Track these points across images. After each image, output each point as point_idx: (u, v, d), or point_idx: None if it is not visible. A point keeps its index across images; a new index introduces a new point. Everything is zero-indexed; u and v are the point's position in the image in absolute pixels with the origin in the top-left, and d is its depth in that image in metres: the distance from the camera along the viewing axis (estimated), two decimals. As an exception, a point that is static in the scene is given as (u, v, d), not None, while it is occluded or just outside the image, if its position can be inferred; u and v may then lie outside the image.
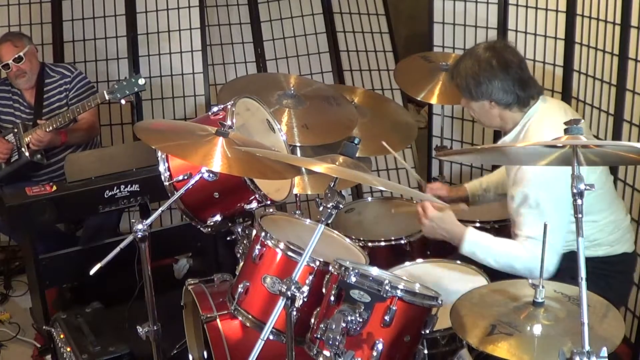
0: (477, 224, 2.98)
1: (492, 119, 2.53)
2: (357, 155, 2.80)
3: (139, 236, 2.18)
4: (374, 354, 1.94)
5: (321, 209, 1.97)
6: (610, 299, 2.00)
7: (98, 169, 3.19)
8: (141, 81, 3.28)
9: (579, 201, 1.72)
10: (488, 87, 2.43)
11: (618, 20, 2.98)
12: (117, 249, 2.09)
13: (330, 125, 3.06)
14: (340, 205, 1.97)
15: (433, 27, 4.02)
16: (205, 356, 2.69)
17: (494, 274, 2.43)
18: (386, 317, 1.93)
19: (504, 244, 2.44)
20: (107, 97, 3.30)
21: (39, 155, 3.47)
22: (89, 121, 3.63)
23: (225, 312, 2.39)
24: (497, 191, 2.92)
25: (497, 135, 3.93)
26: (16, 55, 3.48)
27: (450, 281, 2.52)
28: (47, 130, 3.38)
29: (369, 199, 3.55)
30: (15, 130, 3.48)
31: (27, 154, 3.44)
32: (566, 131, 1.84)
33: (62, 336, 2.89)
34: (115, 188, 3.14)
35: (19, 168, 3.50)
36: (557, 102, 2.66)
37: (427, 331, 2.02)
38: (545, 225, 2.00)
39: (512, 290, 2.01)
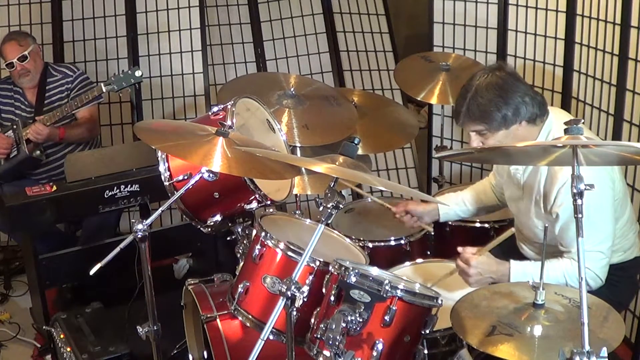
0: (477, 224, 2.99)
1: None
2: (357, 153, 2.82)
3: (139, 236, 2.17)
4: (374, 354, 1.94)
5: (321, 209, 1.97)
6: (615, 304, 1.99)
7: (98, 169, 3.19)
8: (138, 73, 3.30)
9: (579, 201, 1.72)
10: (520, 104, 2.28)
11: (618, 20, 2.98)
12: (117, 249, 2.09)
13: (330, 125, 3.06)
14: (340, 205, 1.97)
15: (433, 27, 4.02)
16: (205, 356, 2.69)
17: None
18: (386, 317, 1.93)
19: (553, 267, 2.29)
20: (104, 89, 3.30)
21: (38, 152, 3.47)
22: (88, 119, 3.63)
23: (225, 312, 2.39)
24: (476, 205, 2.83)
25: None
26: (20, 55, 3.48)
27: (450, 281, 2.52)
28: (47, 124, 3.39)
29: (369, 199, 3.55)
30: (15, 126, 3.48)
31: (26, 150, 3.44)
32: (566, 131, 1.84)
33: (62, 336, 2.89)
34: (115, 188, 3.14)
35: (18, 164, 3.50)
36: (558, 109, 2.62)
37: (427, 331, 2.02)
38: (545, 228, 2.00)
39: (512, 291, 2.01)
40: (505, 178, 2.61)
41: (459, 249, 2.39)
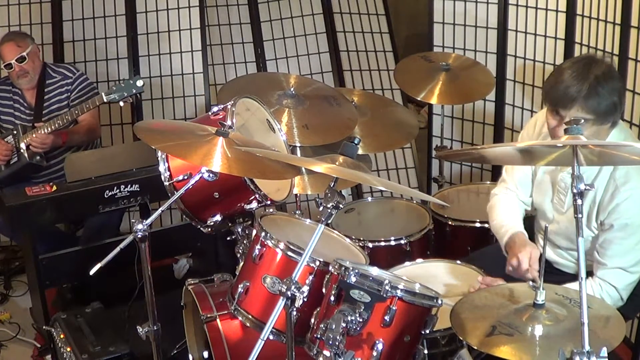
0: (477, 224, 2.99)
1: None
2: (357, 153, 2.81)
3: (139, 236, 2.17)
4: (374, 354, 1.94)
5: (321, 209, 1.97)
6: (624, 312, 1.98)
7: (98, 169, 3.19)
8: (139, 83, 3.28)
9: (579, 201, 1.71)
10: (621, 102, 2.21)
11: (618, 20, 2.98)
12: (117, 249, 2.09)
13: (330, 125, 3.06)
14: (340, 205, 1.97)
15: (433, 27, 4.03)
16: (205, 356, 2.69)
17: (494, 275, 2.42)
18: (386, 317, 1.93)
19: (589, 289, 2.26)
20: (105, 99, 3.30)
21: (38, 157, 3.46)
22: (90, 123, 3.63)
23: (225, 312, 2.39)
24: None
25: (497, 135, 3.93)
26: (19, 55, 3.47)
27: (450, 281, 2.52)
28: (47, 132, 3.38)
29: (369, 199, 3.55)
30: (15, 132, 3.47)
31: (26, 155, 3.43)
32: (566, 131, 1.84)
33: (62, 336, 2.89)
34: (115, 188, 3.14)
35: (18, 170, 3.49)
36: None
37: (427, 331, 2.02)
38: (545, 228, 2.00)
39: (513, 291, 2.01)
40: (540, 181, 2.50)
41: (479, 278, 2.36)
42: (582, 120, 2.07)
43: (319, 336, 1.98)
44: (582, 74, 2.17)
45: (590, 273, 2.31)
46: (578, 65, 2.21)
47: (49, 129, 3.38)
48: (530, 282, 1.95)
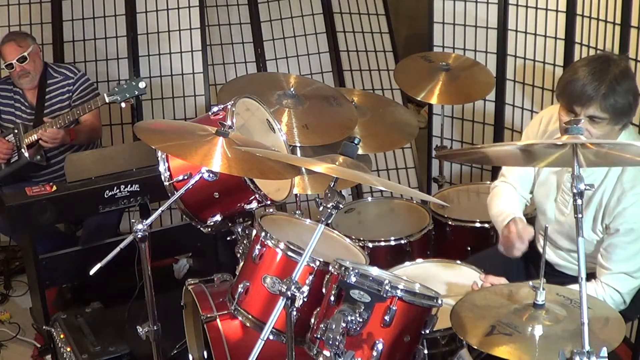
0: (477, 224, 2.99)
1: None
2: (357, 153, 2.81)
3: (139, 236, 2.18)
4: (374, 354, 1.94)
5: (321, 209, 1.97)
6: (626, 314, 1.98)
7: (98, 169, 3.19)
8: (142, 84, 3.29)
9: (579, 201, 1.71)
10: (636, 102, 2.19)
11: (618, 20, 2.98)
12: (117, 249, 2.09)
13: (330, 125, 3.06)
14: (340, 205, 1.97)
15: (433, 27, 4.03)
16: (205, 356, 2.69)
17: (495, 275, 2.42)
18: (386, 317, 1.93)
19: (592, 291, 2.24)
20: (107, 100, 3.31)
21: (38, 157, 3.46)
22: (92, 123, 3.64)
23: (225, 312, 2.39)
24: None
25: (497, 135, 3.93)
26: (20, 55, 3.47)
27: (450, 281, 2.52)
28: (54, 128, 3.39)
29: (369, 199, 3.55)
30: (16, 130, 3.47)
31: (26, 154, 3.43)
32: (566, 131, 1.83)
33: (62, 336, 2.89)
34: (115, 188, 3.14)
35: (18, 169, 3.49)
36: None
37: (427, 331, 2.02)
38: (546, 228, 2.00)
39: (513, 292, 2.01)
40: (545, 180, 2.48)
41: (481, 276, 2.35)
42: (597, 119, 2.11)
43: (319, 336, 1.98)
44: (601, 73, 2.14)
45: (591, 275, 2.30)
46: (595, 63, 2.18)
47: (54, 127, 3.38)
48: (530, 283, 1.95)
